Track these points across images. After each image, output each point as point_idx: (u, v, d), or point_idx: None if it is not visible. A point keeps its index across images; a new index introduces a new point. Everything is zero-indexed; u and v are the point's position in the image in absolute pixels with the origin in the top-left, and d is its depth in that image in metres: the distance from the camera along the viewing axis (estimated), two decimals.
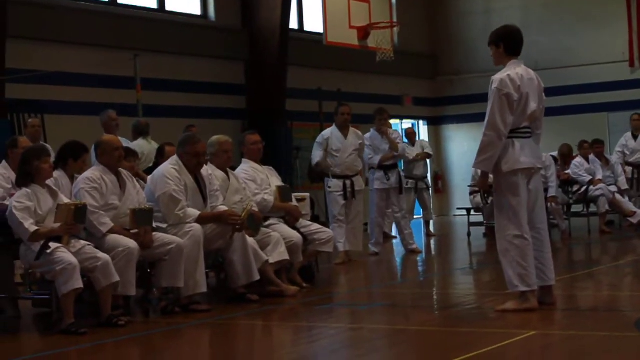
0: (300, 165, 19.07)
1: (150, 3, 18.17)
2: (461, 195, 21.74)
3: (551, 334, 7.40)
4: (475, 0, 24.81)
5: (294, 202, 10.87)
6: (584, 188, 17.08)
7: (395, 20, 19.54)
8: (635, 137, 18.11)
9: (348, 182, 13.27)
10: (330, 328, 8.18)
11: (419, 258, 13.86)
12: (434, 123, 25.49)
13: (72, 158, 9.13)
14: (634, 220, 16.87)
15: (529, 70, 8.22)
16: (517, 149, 8.01)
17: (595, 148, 17.60)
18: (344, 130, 13.38)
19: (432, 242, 17.14)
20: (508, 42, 8.21)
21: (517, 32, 8.29)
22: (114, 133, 11.22)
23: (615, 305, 8.91)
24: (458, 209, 19.35)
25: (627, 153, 18.10)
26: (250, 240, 9.53)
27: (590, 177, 17.07)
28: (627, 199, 17.30)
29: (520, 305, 8.02)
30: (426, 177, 18.86)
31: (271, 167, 11.13)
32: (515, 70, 8.06)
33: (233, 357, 7.42)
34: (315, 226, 10.97)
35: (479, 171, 8.38)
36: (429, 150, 18.83)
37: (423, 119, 25.28)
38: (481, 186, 8.22)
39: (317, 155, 13.36)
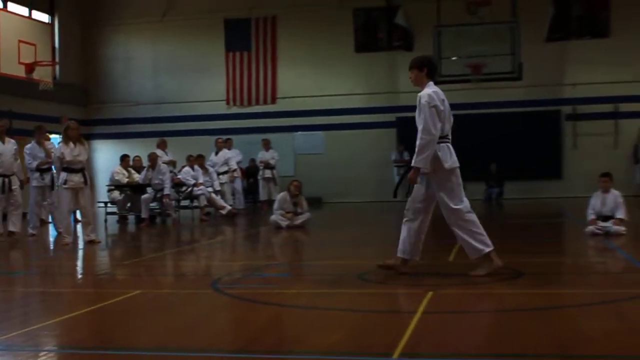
0: None
1: None
2: (101, 192, 21.38)
3: (151, 292, 7.20)
4: (117, 49, 24.89)
5: None
6: (189, 189, 17.32)
7: (57, 60, 19.02)
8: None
9: (6, 180, 12.93)
10: None
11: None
12: (86, 139, 24.89)
13: None
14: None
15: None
16: (453, 152, 7.38)
17: (198, 159, 17.92)
18: (1, 137, 12.96)
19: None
20: (430, 67, 7.46)
21: (435, 61, 7.56)
22: None
23: (202, 271, 8.94)
24: (98, 202, 18.91)
25: None
26: None
27: (195, 181, 17.38)
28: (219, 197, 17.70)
29: (489, 268, 7.36)
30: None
31: None
32: (435, 89, 7.35)
33: None
34: None
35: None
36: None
37: None
38: (412, 180, 7.30)
39: None
